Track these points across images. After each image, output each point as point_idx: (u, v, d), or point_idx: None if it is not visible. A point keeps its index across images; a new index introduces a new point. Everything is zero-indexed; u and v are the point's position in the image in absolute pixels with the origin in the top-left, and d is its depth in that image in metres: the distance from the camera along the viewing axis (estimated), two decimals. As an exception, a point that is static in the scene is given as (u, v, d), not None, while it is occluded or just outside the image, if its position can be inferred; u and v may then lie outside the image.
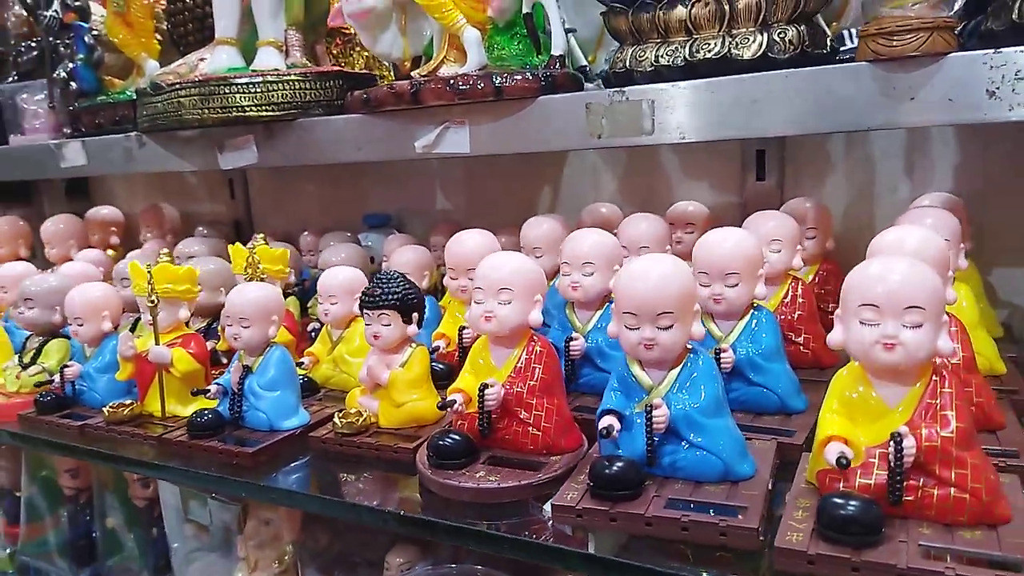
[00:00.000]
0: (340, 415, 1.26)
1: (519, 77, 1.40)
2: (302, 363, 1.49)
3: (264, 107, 1.82)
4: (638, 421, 1.01)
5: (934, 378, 0.90)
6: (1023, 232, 1.51)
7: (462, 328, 1.45)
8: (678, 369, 1.03)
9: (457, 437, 1.09)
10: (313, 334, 1.73)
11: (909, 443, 0.85)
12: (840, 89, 1.12)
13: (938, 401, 0.89)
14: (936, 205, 1.45)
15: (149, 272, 1.34)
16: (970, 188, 1.61)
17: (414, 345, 1.30)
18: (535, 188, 2.08)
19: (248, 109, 1.80)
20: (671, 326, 0.99)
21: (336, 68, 1.93)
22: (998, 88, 1.04)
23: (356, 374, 1.44)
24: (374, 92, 1.67)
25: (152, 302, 1.34)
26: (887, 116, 1.11)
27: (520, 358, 1.13)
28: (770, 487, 0.98)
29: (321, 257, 1.85)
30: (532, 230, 1.64)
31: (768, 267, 1.38)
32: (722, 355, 1.19)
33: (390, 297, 1.25)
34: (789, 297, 1.43)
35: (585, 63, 1.87)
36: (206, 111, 1.81)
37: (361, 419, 1.25)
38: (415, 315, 1.28)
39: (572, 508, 0.96)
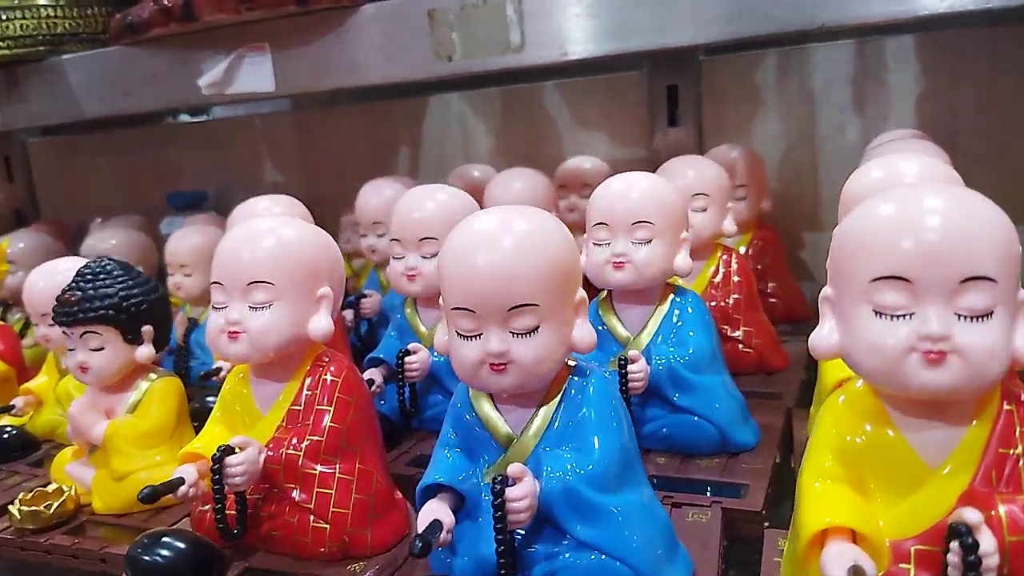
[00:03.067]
0: (27, 498, 0.77)
1: (333, -23, 0.98)
2: (12, 407, 0.99)
3: None
4: (486, 498, 0.58)
5: (1005, 408, 0.49)
6: (1002, 175, 1.14)
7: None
8: (554, 405, 0.59)
9: (178, 545, 0.62)
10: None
11: (987, 544, 0.44)
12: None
13: (1018, 451, 0.48)
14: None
15: None
16: (936, 126, 1.24)
17: (154, 377, 0.82)
18: (389, 147, 1.62)
19: None
20: (536, 327, 0.55)
21: (105, -9, 1.41)
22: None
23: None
24: (137, 12, 1.19)
25: None
26: (840, 9, 0.82)
27: (300, 396, 0.68)
28: (718, 611, 0.56)
29: (84, 246, 1.34)
30: (372, 198, 1.21)
31: (691, 233, 0.96)
32: (630, 369, 0.76)
33: (96, 305, 0.77)
34: (721, 275, 1.02)
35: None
36: (-87, 54, 1.30)
37: (57, 504, 0.76)
38: (146, 329, 0.81)
39: None
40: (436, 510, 0.57)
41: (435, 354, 0.90)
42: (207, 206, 1.72)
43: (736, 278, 1.01)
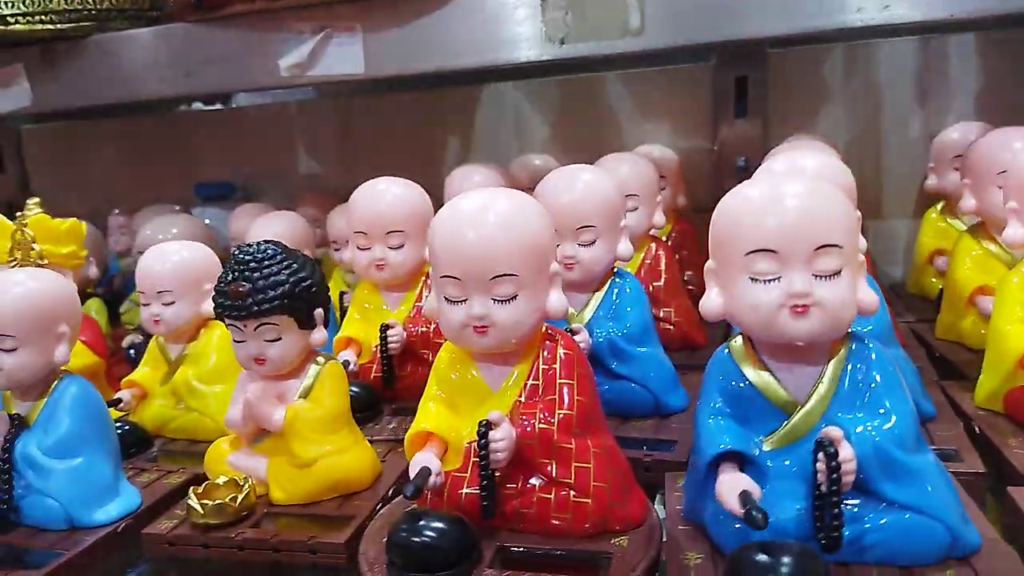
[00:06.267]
0: (199, 492, 0.71)
1: (436, -49, 0.97)
2: (119, 401, 0.92)
3: (38, 17, 1.26)
4: (769, 464, 0.58)
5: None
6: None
7: (384, 326, 0.94)
8: (837, 370, 0.59)
9: (442, 526, 0.59)
10: (133, 353, 1.16)
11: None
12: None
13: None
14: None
15: None
16: (997, 119, 1.30)
17: (321, 360, 0.78)
18: (436, 139, 1.59)
19: (13, 21, 1.22)
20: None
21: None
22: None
23: (214, 412, 0.90)
24: (214, -12, 1.13)
25: None
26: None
27: (535, 371, 0.65)
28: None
29: (139, 237, 1.26)
30: (464, 182, 1.19)
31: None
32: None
33: (271, 295, 0.72)
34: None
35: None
36: (-52, 28, 1.23)
37: (241, 496, 0.71)
38: (318, 312, 0.76)
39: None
40: (737, 476, 0.57)
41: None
42: (234, 197, 1.65)
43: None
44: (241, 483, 0.73)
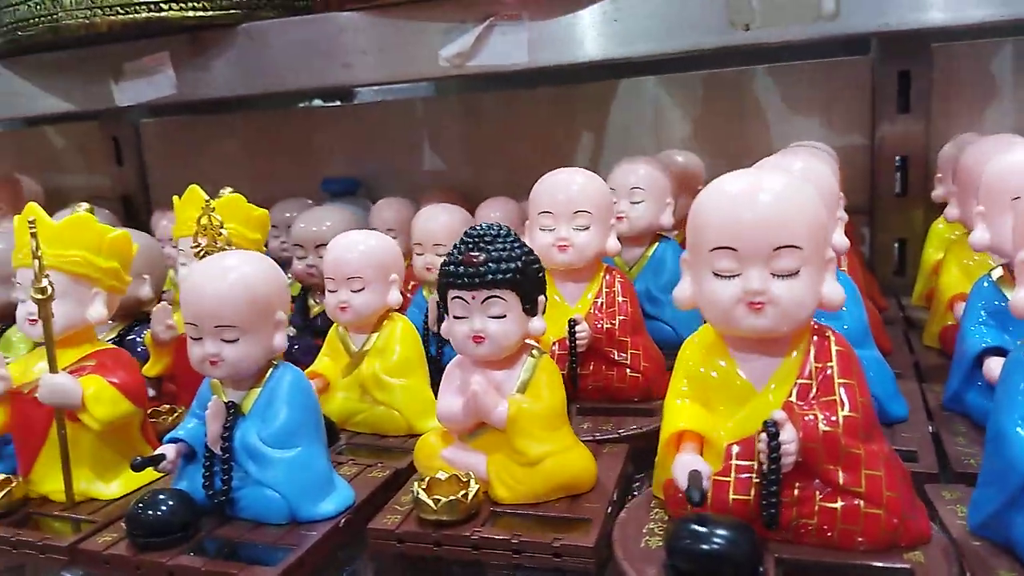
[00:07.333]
0: (423, 486, 0.68)
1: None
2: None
3: (190, 4, 1.24)
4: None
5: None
6: None
7: (572, 322, 0.90)
8: None
9: (732, 533, 0.54)
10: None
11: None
12: None
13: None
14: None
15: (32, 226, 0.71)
16: None
17: (536, 353, 0.74)
18: (565, 135, 1.55)
19: (166, 8, 1.22)
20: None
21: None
22: None
23: (402, 406, 0.87)
24: (375, -24, 1.11)
25: (42, 290, 0.71)
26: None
27: (805, 368, 0.60)
28: None
29: (295, 229, 1.24)
30: (628, 176, 1.14)
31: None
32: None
33: (503, 267, 0.69)
34: None
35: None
36: (97, 12, 1.23)
37: (471, 492, 0.68)
38: (541, 299, 0.73)
39: None
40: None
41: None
42: (358, 193, 1.63)
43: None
44: (464, 479, 0.69)
